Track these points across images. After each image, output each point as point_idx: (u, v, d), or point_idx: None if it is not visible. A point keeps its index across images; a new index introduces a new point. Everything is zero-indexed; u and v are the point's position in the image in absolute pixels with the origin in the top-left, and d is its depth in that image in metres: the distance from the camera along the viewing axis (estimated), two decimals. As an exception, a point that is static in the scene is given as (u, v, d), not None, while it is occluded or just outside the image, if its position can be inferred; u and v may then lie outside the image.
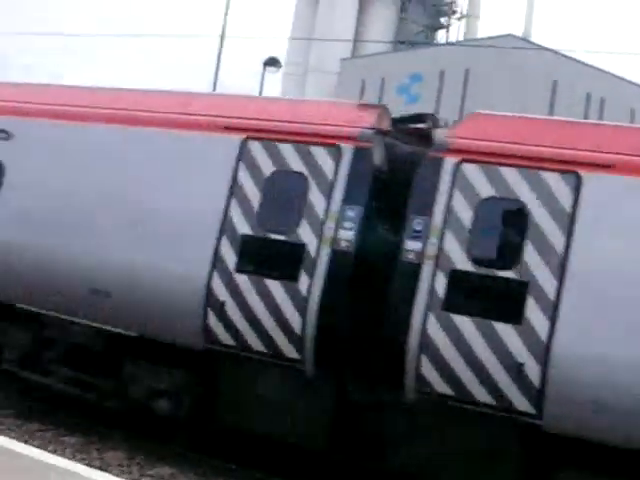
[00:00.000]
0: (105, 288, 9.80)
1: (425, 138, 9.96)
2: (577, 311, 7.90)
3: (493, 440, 8.43)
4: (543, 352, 7.89)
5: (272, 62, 38.52)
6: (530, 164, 8.43)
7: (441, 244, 8.49)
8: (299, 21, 53.19)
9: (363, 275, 8.94)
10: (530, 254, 8.18)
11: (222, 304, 9.22)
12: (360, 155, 9.07)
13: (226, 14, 36.26)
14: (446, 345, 8.28)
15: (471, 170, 8.60)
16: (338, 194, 9.00)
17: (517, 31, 51.13)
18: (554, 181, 8.26)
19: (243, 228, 9.31)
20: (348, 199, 8.97)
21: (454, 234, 8.49)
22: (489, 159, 8.60)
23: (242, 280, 9.19)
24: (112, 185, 10.17)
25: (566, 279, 7.96)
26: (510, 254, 8.39)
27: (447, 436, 8.60)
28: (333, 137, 9.21)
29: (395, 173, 9.27)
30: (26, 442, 9.23)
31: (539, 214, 8.24)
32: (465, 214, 8.52)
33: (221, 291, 9.25)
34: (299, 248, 9.01)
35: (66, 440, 10.10)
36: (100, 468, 8.89)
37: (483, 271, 8.40)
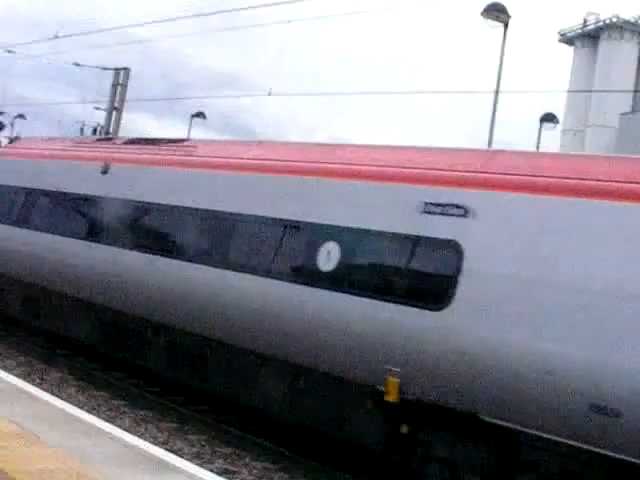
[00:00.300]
0: (613, 405, 7.90)
1: None
2: None
3: None
4: None
5: (549, 118, 36.79)
6: None
7: None
8: (577, 75, 51.00)
9: None
10: None
11: None
12: None
13: (500, 69, 34.78)
14: None
15: None
16: None
17: None
18: None
19: None
20: None
21: None
22: None
23: None
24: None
25: None
26: None
27: None
28: None
29: None
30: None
31: None
32: None
33: None
34: None
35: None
36: None
37: None
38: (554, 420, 8.32)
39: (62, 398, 11.73)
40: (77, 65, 32.51)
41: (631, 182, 8.43)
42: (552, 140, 44.11)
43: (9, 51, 30.32)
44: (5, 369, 12.34)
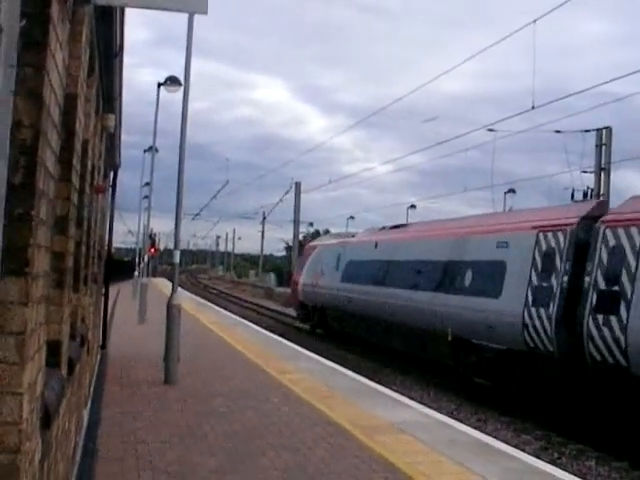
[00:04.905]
0: None
1: None
2: None
3: None
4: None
5: None
6: None
7: None
8: None
9: None
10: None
11: None
12: None
13: None
14: None
15: None
16: None
17: None
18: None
19: None
20: None
21: None
22: None
23: None
24: None
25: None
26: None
27: None
28: None
29: None
30: None
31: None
32: None
33: None
34: None
35: None
36: None
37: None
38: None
39: (580, 472, 11.89)
40: (558, 132, 32.99)
41: None
42: None
43: (490, 129, 31.89)
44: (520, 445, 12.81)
